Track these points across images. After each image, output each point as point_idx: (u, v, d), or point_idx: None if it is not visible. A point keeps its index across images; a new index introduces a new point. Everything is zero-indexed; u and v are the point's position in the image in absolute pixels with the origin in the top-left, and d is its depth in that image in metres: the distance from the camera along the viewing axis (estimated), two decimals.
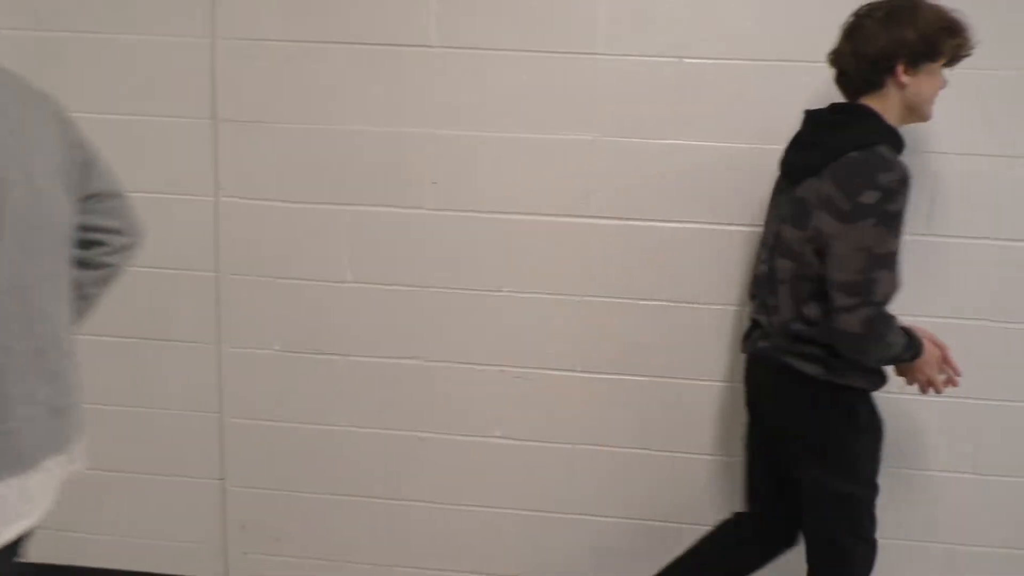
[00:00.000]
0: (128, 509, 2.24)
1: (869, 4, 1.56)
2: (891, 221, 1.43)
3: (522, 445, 2.10)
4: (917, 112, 1.58)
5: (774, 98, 1.89)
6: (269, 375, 2.13)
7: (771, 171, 1.91)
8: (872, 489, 1.63)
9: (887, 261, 1.44)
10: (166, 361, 2.15)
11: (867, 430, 1.60)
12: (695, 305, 1.99)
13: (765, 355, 1.64)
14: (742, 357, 2.00)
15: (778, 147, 1.90)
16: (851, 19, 1.57)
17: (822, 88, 1.87)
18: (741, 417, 2.04)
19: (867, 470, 1.61)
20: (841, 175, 1.47)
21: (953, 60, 1.55)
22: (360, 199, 2.02)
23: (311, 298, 2.07)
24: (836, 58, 1.61)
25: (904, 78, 1.53)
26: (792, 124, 1.88)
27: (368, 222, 2.02)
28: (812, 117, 1.64)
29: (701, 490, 2.08)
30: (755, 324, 1.71)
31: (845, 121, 1.55)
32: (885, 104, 1.56)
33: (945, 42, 1.51)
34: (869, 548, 1.64)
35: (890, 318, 1.47)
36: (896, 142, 1.53)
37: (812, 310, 1.55)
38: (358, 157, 2.00)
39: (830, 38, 1.82)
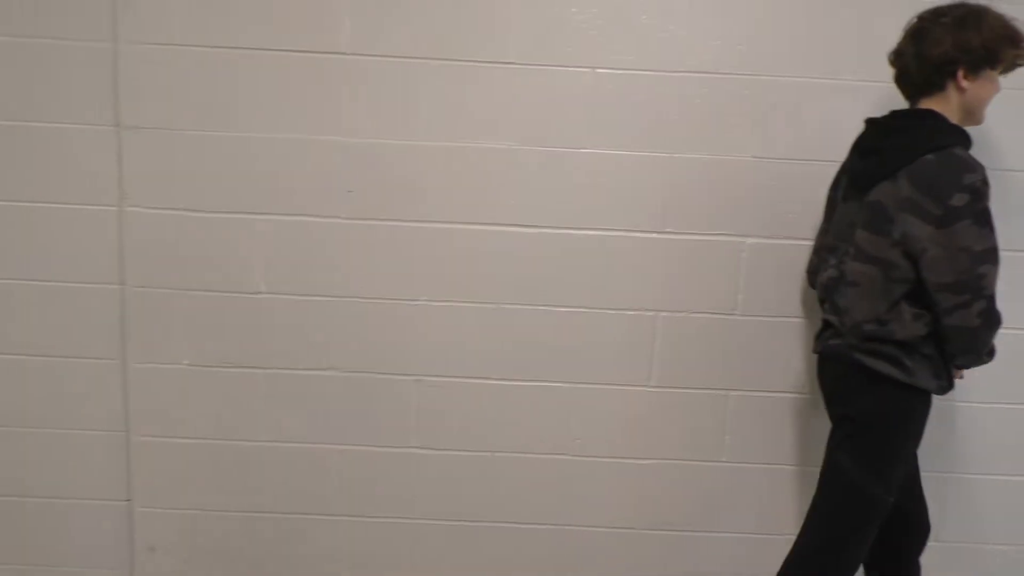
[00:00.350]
0: (30, 535, 2.12)
1: (934, 8, 1.60)
2: (984, 218, 1.49)
3: (440, 455, 2.09)
4: (973, 116, 1.63)
5: (687, 108, 1.94)
6: (178, 391, 2.05)
7: (684, 179, 1.96)
8: (891, 496, 1.65)
9: (989, 256, 1.50)
10: (69, 378, 2.05)
11: (914, 436, 1.66)
12: (607, 311, 2.01)
13: (836, 352, 1.69)
14: (665, 358, 2.04)
15: (693, 156, 1.95)
16: (915, 22, 1.61)
17: (722, 100, 1.93)
18: (644, 418, 2.07)
19: (896, 477, 1.65)
20: (923, 179, 1.51)
21: (1009, 68, 1.61)
22: (274, 208, 1.97)
23: (223, 310, 2.01)
24: (898, 58, 1.65)
25: (964, 82, 1.57)
26: (699, 133, 1.93)
27: (283, 232, 1.98)
28: (874, 124, 1.68)
29: (623, 494, 2.10)
30: (827, 324, 1.74)
31: (910, 125, 1.59)
32: (945, 106, 1.60)
33: (1006, 51, 1.56)
34: (860, 554, 1.68)
35: (998, 310, 1.55)
36: (966, 141, 1.57)
37: (899, 312, 1.58)
38: (272, 165, 1.96)
39: (731, 48, 1.88)
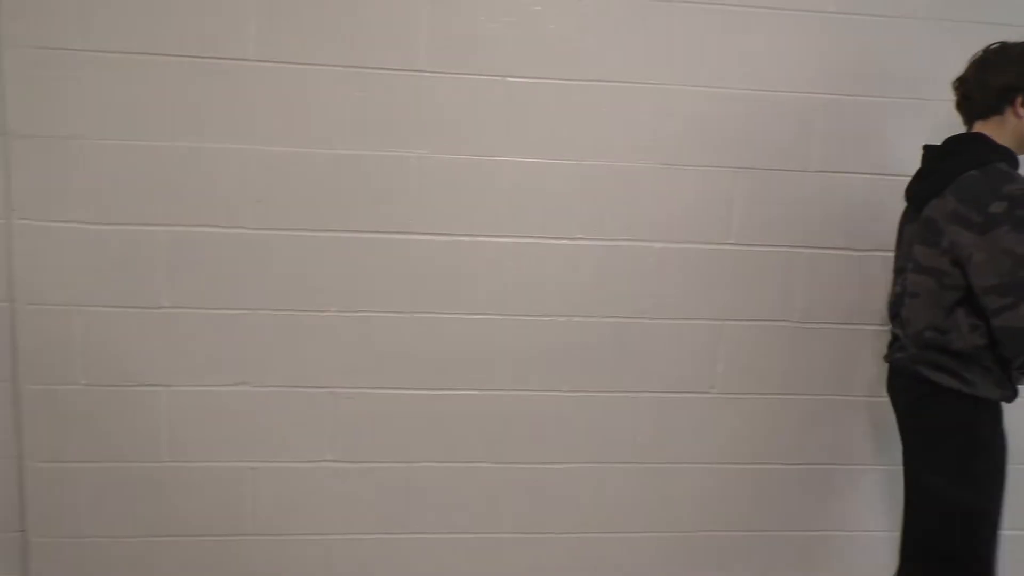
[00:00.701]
0: None
1: (1002, 43, 1.75)
2: (1023, 224, 1.58)
3: (355, 467, 2.05)
4: (1023, 143, 1.75)
5: (598, 116, 1.96)
6: (75, 412, 1.95)
7: (599, 185, 1.98)
8: (994, 506, 1.65)
9: None
10: None
11: (990, 446, 1.68)
12: (533, 317, 2.02)
13: (901, 365, 1.80)
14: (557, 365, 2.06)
15: (599, 163, 1.97)
16: (981, 54, 1.76)
17: (627, 108, 1.97)
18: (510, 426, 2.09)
19: (989, 485, 1.65)
20: (965, 192, 1.64)
21: None
22: (176, 219, 1.90)
23: (122, 326, 1.92)
24: (961, 84, 1.79)
25: (1021, 110, 1.71)
26: (604, 141, 1.96)
27: (185, 243, 1.91)
28: (929, 150, 1.82)
29: (547, 499, 2.11)
30: (895, 337, 1.86)
31: (962, 148, 1.73)
32: (1000, 131, 1.73)
33: None
34: (986, 570, 1.65)
35: None
36: (1012, 160, 1.70)
37: (954, 319, 1.68)
38: (174, 174, 1.89)
39: (639, 58, 1.91)
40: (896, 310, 1.85)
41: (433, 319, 1.99)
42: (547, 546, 2.14)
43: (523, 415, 2.06)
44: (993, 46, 1.76)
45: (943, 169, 1.73)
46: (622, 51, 1.95)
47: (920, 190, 1.79)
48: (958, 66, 1.81)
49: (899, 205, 1.96)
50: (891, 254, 2.06)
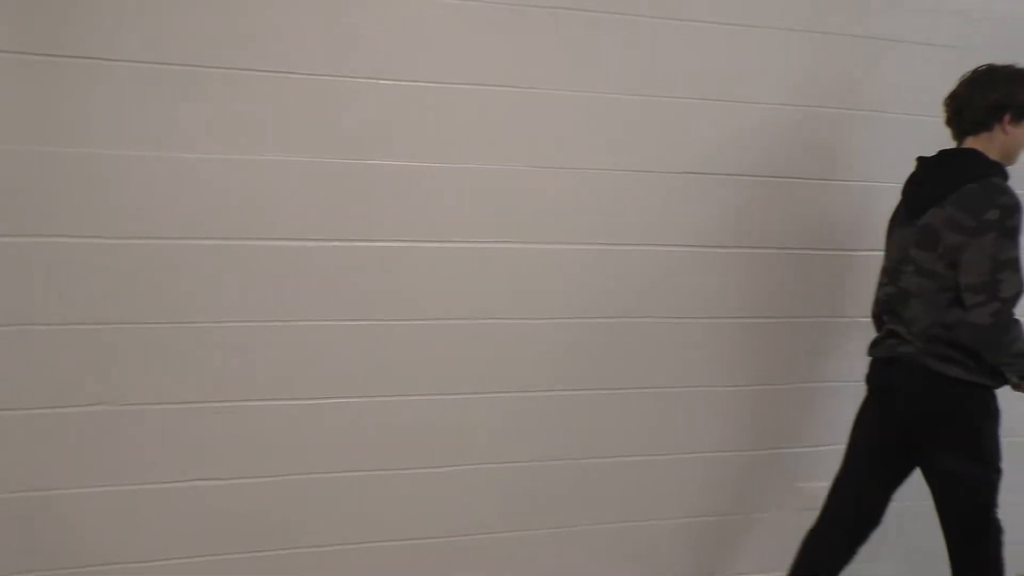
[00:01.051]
0: None
1: (990, 64, 1.93)
2: (1010, 233, 1.81)
3: (228, 484, 1.97)
4: (1010, 157, 1.94)
5: (473, 119, 1.98)
6: None
7: (468, 187, 1.99)
8: (1000, 473, 1.90)
9: (1009, 264, 1.80)
10: None
11: (995, 419, 1.90)
12: (421, 321, 2.02)
13: (908, 359, 1.91)
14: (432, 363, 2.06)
15: (480, 166, 2.00)
16: (971, 74, 1.94)
17: (498, 113, 2.00)
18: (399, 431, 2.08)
19: (997, 457, 1.89)
20: (965, 202, 1.84)
21: None
22: (31, 229, 1.78)
23: None
24: (952, 101, 1.96)
25: (1008, 127, 1.91)
26: (478, 144, 1.99)
27: (41, 256, 1.79)
28: (923, 161, 2.00)
29: (454, 503, 2.10)
30: (892, 333, 1.98)
31: (957, 161, 1.93)
32: (988, 146, 1.92)
33: None
34: (998, 529, 1.91)
35: (1015, 317, 1.81)
36: (1004, 174, 1.89)
37: (952, 315, 1.86)
38: (22, 182, 1.77)
39: (519, 61, 1.94)
40: (890, 307, 1.99)
41: (309, 326, 1.96)
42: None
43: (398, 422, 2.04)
44: (982, 67, 1.95)
45: (939, 178, 1.92)
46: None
47: (919, 197, 1.96)
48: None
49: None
50: (847, 253, 2.29)
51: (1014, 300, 1.82)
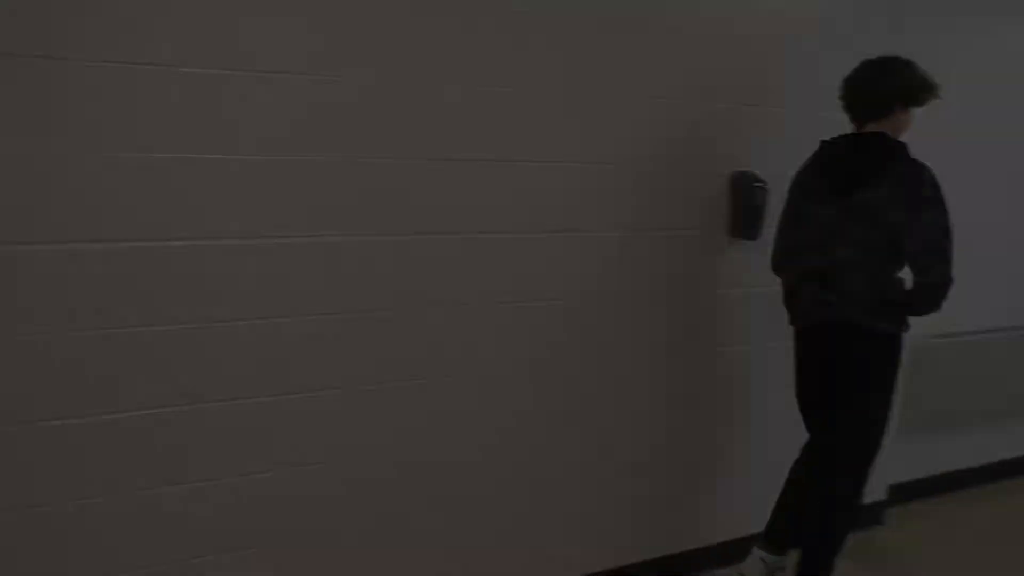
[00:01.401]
0: None
1: (883, 57, 2.23)
2: (944, 202, 2.14)
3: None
4: (898, 136, 2.24)
5: (245, 107, 1.85)
6: None
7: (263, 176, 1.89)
8: (891, 411, 2.34)
9: (951, 231, 2.14)
10: None
11: (897, 367, 2.30)
12: (279, 320, 1.96)
13: (844, 320, 2.22)
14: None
15: (278, 158, 1.90)
16: (867, 67, 2.23)
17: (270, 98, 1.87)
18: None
19: (894, 395, 2.32)
20: (899, 181, 2.14)
21: (922, 105, 2.27)
22: None
23: None
24: (850, 91, 2.25)
25: (900, 113, 2.23)
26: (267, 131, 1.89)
27: None
28: (835, 144, 2.28)
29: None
30: (823, 302, 2.26)
31: (873, 143, 2.23)
32: (887, 129, 2.23)
33: (929, 93, 2.24)
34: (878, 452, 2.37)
35: (952, 274, 2.12)
36: (908, 151, 2.19)
37: (888, 282, 2.20)
38: None
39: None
40: (828, 278, 2.23)
41: (137, 332, 1.83)
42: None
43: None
44: (875, 59, 2.23)
45: (862, 160, 2.20)
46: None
47: (842, 177, 2.22)
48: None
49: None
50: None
51: (951, 261, 2.13)
